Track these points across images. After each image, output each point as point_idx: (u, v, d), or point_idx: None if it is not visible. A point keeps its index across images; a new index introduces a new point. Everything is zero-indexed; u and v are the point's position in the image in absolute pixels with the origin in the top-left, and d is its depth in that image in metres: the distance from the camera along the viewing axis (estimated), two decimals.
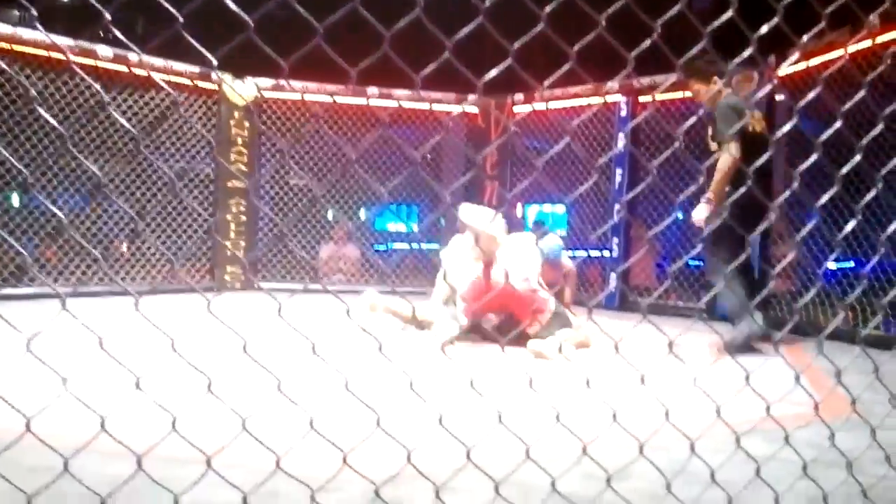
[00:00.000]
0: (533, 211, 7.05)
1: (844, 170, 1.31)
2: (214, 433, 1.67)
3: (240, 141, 5.89)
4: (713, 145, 3.71)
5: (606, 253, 5.77)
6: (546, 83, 1.18)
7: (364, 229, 6.96)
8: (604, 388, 2.43)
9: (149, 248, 5.52)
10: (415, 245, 7.00)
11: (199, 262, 5.83)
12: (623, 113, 5.61)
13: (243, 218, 5.93)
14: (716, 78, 3.75)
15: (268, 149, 6.22)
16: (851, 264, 4.79)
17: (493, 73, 1.08)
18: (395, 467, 1.15)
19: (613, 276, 5.53)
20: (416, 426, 1.53)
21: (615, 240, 5.60)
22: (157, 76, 5.02)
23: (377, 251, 7.30)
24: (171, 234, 5.60)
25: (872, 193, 1.45)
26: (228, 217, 5.86)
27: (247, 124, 5.90)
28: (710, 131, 3.77)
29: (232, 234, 5.87)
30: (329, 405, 1.39)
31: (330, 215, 6.79)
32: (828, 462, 1.60)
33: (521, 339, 3.41)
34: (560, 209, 7.25)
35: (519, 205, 6.67)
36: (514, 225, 6.52)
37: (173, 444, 1.09)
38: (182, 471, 1.18)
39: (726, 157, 3.43)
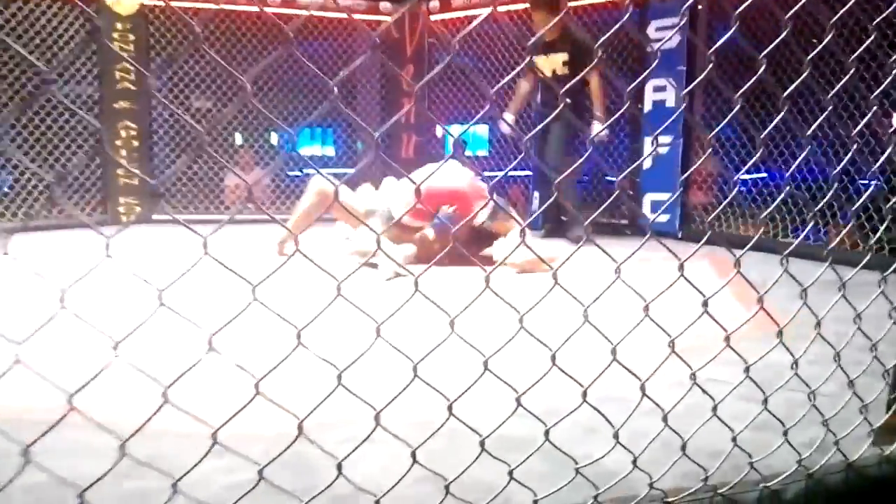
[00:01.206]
0: (454, 131, 6.89)
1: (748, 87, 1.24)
2: (131, 397, 1.53)
3: (125, 56, 5.40)
4: (563, 68, 4.43)
5: (529, 173, 5.72)
6: None
7: (275, 154, 6.63)
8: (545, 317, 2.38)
9: (29, 181, 5.07)
10: (331, 170, 6.76)
11: (89, 194, 5.42)
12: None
13: (135, 143, 5.51)
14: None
15: (159, 66, 5.74)
16: (764, 175, 4.94)
17: None
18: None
19: (537, 195, 5.50)
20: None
21: (569, 157, 5.52)
22: None
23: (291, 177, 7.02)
24: (54, 163, 5.15)
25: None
26: (118, 143, 5.44)
27: (132, 37, 5.40)
28: (563, 57, 4.45)
29: (123, 162, 5.46)
30: (278, 359, 1.27)
31: (238, 139, 6.43)
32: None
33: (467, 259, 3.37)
34: (482, 129, 7.12)
35: (438, 126, 6.49)
36: (434, 146, 6.37)
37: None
38: (98, 439, 1.04)
39: (597, 79, 4.37)
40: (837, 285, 1.19)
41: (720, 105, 4.48)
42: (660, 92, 4.65)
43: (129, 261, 0.70)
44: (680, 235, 4.49)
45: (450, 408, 0.86)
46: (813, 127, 1.22)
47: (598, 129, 4.26)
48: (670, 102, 4.62)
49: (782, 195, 3.44)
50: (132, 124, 5.48)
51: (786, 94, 1.01)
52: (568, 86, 1.01)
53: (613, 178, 5.75)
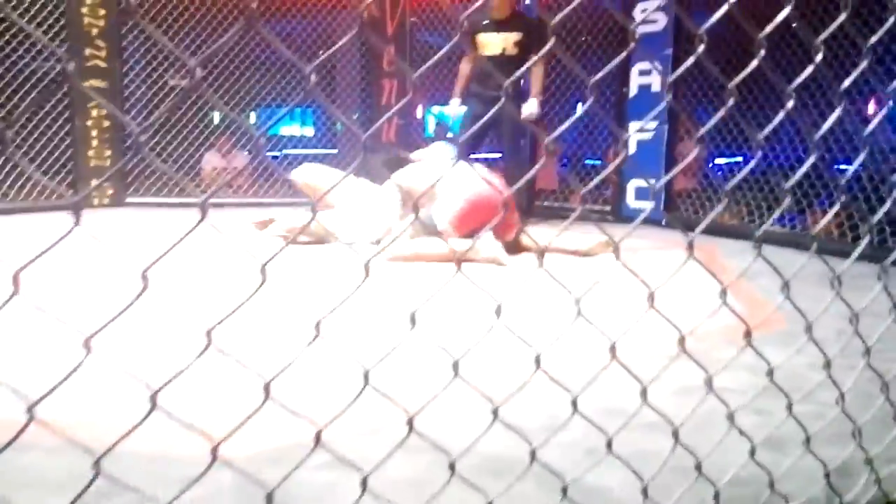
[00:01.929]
0: (435, 112, 6.88)
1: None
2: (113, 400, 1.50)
3: (95, 32, 5.29)
4: (513, 48, 4.44)
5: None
6: None
7: (254, 135, 6.56)
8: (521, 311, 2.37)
9: None
10: (311, 151, 6.71)
11: (59, 176, 5.32)
12: (528, 1, 5.42)
13: (106, 123, 5.41)
14: None
15: (131, 42, 5.64)
16: (740, 159, 5.00)
17: None
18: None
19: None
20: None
21: (521, 141, 5.52)
22: None
23: (271, 158, 6.95)
24: (22, 143, 5.05)
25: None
26: (89, 123, 5.33)
27: (102, 12, 5.28)
28: (515, 37, 4.44)
29: (94, 143, 5.37)
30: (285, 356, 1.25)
31: (216, 119, 6.35)
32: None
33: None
34: (462, 110, 7.08)
35: (420, 106, 6.46)
36: (415, 128, 6.34)
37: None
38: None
39: (541, 64, 4.52)
40: (828, 277, 1.09)
41: (704, 88, 4.50)
42: (645, 76, 4.66)
43: (98, 246, 0.64)
44: (664, 223, 4.52)
45: (410, 422, 0.79)
46: (779, 110, 1.22)
47: (532, 106, 4.42)
48: (656, 87, 4.63)
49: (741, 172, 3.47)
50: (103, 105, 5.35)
51: (792, 86, 1.00)
52: (521, 71, 0.98)
53: (592, 161, 5.79)
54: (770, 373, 1.01)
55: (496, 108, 0.85)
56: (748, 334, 1.00)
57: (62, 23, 5.19)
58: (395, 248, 3.29)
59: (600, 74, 0.76)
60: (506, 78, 0.76)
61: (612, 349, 0.88)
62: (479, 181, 3.44)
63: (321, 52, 6.12)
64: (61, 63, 0.56)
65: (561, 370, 0.96)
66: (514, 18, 4.47)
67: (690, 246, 0.97)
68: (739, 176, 1.08)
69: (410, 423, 0.77)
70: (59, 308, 2.26)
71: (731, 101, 0.91)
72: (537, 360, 0.83)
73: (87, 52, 5.25)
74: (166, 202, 5.57)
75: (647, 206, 4.71)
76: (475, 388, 0.81)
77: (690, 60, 0.89)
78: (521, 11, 4.54)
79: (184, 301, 2.38)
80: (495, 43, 4.50)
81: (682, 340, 0.93)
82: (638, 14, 4.72)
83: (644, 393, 0.91)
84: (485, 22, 4.50)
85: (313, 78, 0.65)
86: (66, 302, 2.32)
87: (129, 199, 5.60)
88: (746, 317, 1.11)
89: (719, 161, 5.42)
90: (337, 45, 0.69)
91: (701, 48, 0.88)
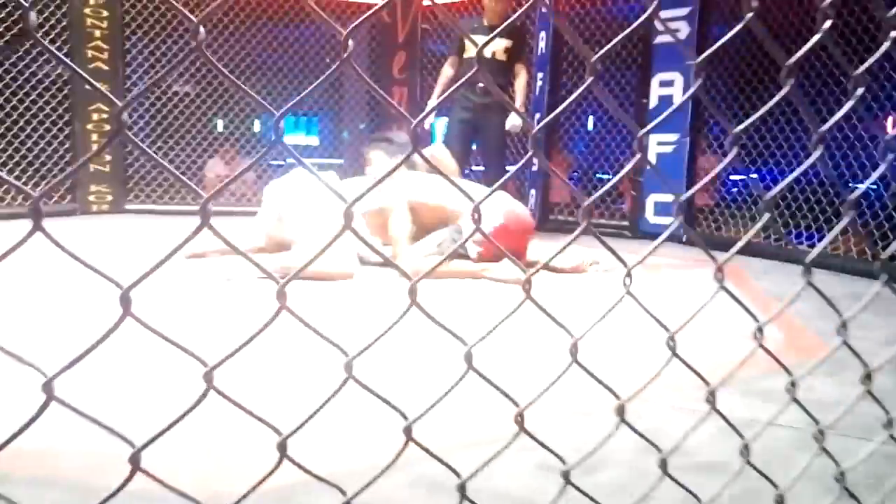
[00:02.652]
0: (442, 123, 6.78)
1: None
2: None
3: (98, 34, 5.21)
4: (502, 55, 4.43)
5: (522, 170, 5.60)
6: None
7: (258, 143, 6.47)
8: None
9: None
10: (316, 160, 6.62)
11: (57, 180, 5.21)
12: (544, 8, 5.32)
13: (107, 127, 5.32)
14: None
15: (134, 44, 5.56)
16: (755, 176, 4.89)
17: None
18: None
19: (533, 192, 5.38)
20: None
21: (505, 152, 5.39)
22: None
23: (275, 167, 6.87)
24: (20, 147, 4.96)
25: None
26: (90, 127, 5.24)
27: (105, 13, 5.21)
28: (506, 44, 4.44)
29: (94, 147, 5.27)
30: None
31: (220, 126, 6.27)
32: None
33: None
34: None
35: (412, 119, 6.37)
36: (422, 139, 6.24)
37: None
38: None
39: (525, 75, 4.57)
40: (858, 297, 0.99)
41: (727, 99, 4.40)
42: (666, 87, 4.55)
43: (92, 255, 0.53)
44: (684, 239, 4.39)
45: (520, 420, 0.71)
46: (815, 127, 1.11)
47: (516, 118, 4.38)
48: (677, 98, 4.52)
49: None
50: (105, 107, 5.29)
51: (824, 127, 0.89)
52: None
53: (605, 176, 5.67)
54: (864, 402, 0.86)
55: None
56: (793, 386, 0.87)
57: (63, 24, 5.11)
58: (420, 263, 3.14)
59: (602, 52, 0.66)
60: (493, 81, 0.68)
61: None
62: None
63: (328, 59, 6.04)
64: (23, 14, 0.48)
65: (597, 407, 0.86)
66: (509, 26, 4.39)
67: (720, 270, 0.85)
68: (780, 186, 0.95)
69: (520, 420, 0.66)
70: (25, 330, 2.15)
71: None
72: (619, 411, 0.72)
73: (90, 53, 5.17)
74: (167, 209, 5.47)
75: (668, 221, 4.59)
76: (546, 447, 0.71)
77: (687, 94, 0.77)
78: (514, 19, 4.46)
79: (175, 327, 2.26)
80: (488, 47, 4.42)
81: (711, 395, 0.82)
82: (659, 23, 4.61)
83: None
84: (475, 25, 4.51)
85: (351, 44, 0.59)
86: (36, 322, 2.20)
87: (128, 206, 5.50)
88: (786, 343, 1.01)
89: (734, 178, 5.32)
90: (331, 70, 0.58)
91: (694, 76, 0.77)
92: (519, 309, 0.71)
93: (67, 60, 0.58)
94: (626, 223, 5.03)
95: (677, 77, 4.50)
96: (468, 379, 0.69)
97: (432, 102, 4.50)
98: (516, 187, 5.85)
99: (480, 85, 4.32)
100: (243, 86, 0.61)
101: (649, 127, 0.78)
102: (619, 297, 0.77)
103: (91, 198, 5.30)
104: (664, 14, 4.60)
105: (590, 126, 5.67)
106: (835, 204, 3.75)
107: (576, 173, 6.21)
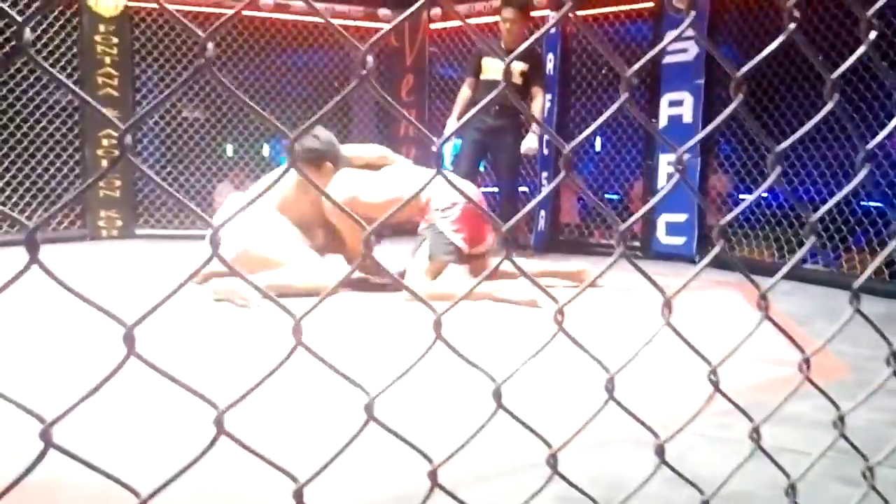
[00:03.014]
0: (450, 146, 6.80)
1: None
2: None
3: (108, 61, 5.27)
4: (518, 78, 4.39)
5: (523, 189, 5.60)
6: None
7: (267, 167, 6.49)
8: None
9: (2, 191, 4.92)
10: None
11: (67, 206, 5.26)
12: (553, 30, 5.35)
13: (117, 153, 5.34)
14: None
15: (144, 70, 5.63)
16: (766, 195, 4.86)
17: None
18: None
19: (543, 213, 5.37)
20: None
21: (544, 174, 5.41)
22: None
23: None
24: (30, 173, 5.01)
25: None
26: (100, 153, 5.29)
27: (116, 40, 5.28)
28: (522, 67, 4.43)
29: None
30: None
31: (229, 151, 6.30)
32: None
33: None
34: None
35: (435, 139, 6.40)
36: (430, 160, 6.25)
37: None
38: None
39: (541, 97, 4.60)
40: (881, 317, 0.97)
41: (734, 121, 4.39)
42: (676, 106, 4.54)
43: (101, 281, 0.50)
44: (697, 259, 4.36)
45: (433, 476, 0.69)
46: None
47: (532, 141, 4.47)
48: (687, 118, 4.51)
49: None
50: (115, 133, 5.31)
51: (865, 155, 0.87)
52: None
53: (614, 196, 5.66)
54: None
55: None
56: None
57: (74, 51, 5.18)
58: (426, 285, 3.12)
59: (636, 67, 0.65)
60: (509, 105, 0.67)
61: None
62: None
63: (337, 84, 6.09)
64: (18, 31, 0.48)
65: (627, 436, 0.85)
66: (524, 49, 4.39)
67: (764, 298, 0.84)
68: (827, 206, 0.94)
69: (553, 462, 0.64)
70: (26, 367, 2.14)
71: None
72: (659, 452, 0.71)
73: (100, 80, 5.23)
74: (177, 234, 5.49)
75: (680, 241, 4.56)
76: (575, 485, 0.70)
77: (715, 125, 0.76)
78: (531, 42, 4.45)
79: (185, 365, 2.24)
80: (500, 69, 4.41)
81: (756, 432, 0.79)
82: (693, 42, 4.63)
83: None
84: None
85: (370, 59, 0.61)
86: (37, 357, 2.18)
87: (138, 231, 5.52)
88: (812, 367, 0.98)
89: (744, 197, 5.29)
90: (344, 93, 0.58)
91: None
92: (532, 331, 0.69)
93: (71, 84, 0.58)
94: (637, 244, 5.01)
95: (686, 96, 4.50)
96: (487, 407, 0.67)
97: (452, 123, 4.54)
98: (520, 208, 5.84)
99: (496, 107, 4.38)
100: (255, 106, 0.61)
101: (691, 144, 0.77)
102: (657, 329, 0.75)
103: (101, 223, 5.33)
104: (672, 34, 4.62)
105: (598, 146, 5.67)
106: (850, 222, 3.72)
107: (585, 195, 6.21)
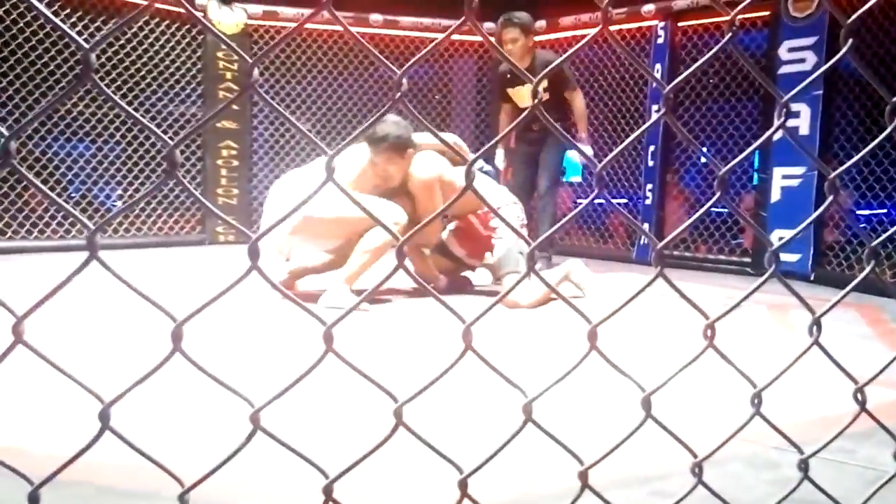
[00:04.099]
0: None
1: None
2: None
3: (229, 76, 5.67)
4: (543, 94, 4.36)
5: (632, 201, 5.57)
6: None
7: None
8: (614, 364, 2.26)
9: (131, 196, 5.38)
10: None
11: (189, 213, 5.68)
12: (660, 40, 5.32)
13: (235, 163, 5.76)
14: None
15: (261, 85, 5.98)
16: (883, 211, 4.64)
17: None
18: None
19: (646, 226, 5.33)
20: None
21: (649, 186, 5.38)
22: None
23: None
24: (157, 179, 5.45)
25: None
26: (219, 162, 5.69)
27: (235, 57, 5.66)
28: (542, 85, 4.32)
29: (223, 182, 5.71)
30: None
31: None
32: None
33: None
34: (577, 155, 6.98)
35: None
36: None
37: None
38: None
39: (581, 100, 4.59)
40: None
41: (859, 131, 4.24)
42: (793, 118, 4.42)
43: (207, 282, 0.58)
44: (812, 278, 4.22)
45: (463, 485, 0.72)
46: None
47: (587, 151, 4.44)
48: (804, 130, 4.39)
49: None
50: (234, 143, 5.72)
51: None
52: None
53: (721, 210, 5.53)
54: None
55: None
56: None
57: (199, 66, 5.60)
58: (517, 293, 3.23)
59: (676, 83, 0.70)
60: (549, 120, 0.73)
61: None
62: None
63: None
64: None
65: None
66: (533, 66, 4.36)
67: None
68: None
69: (585, 478, 0.71)
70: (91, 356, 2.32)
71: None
72: (696, 472, 0.75)
73: (221, 94, 5.62)
74: None
75: (794, 258, 4.43)
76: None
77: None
78: (536, 57, 4.48)
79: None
80: (525, 94, 4.51)
81: None
82: (784, 52, 4.52)
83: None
84: (508, 76, 4.54)
85: (405, 82, 0.65)
86: (104, 349, 2.33)
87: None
88: None
89: (861, 213, 5.05)
90: (422, 54, 0.66)
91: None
92: (556, 341, 0.75)
93: (118, 99, 0.68)
94: (747, 259, 4.89)
95: (803, 108, 4.37)
96: (516, 419, 0.71)
97: (500, 153, 4.78)
98: (620, 220, 5.81)
99: (535, 126, 4.48)
100: (298, 124, 0.68)
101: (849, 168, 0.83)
102: (702, 349, 0.77)
103: (219, 229, 5.72)
104: (790, 44, 4.51)
105: (703, 158, 5.57)
106: None
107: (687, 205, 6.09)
